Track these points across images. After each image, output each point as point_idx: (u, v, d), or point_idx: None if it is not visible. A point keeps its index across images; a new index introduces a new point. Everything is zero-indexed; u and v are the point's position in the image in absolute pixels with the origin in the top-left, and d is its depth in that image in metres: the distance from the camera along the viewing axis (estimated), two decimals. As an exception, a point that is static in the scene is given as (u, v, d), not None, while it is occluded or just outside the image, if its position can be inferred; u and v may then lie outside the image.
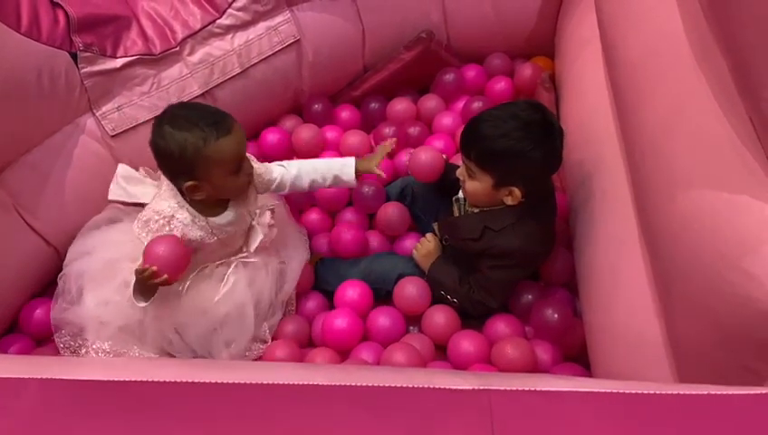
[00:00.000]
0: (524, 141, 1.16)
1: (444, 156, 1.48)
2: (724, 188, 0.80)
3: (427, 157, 1.46)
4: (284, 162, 1.40)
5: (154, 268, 1.13)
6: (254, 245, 1.30)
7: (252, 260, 1.32)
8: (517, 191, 1.21)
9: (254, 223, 1.31)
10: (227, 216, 1.25)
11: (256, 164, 1.31)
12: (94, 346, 1.28)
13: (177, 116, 1.15)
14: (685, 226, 0.86)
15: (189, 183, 1.16)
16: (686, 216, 0.86)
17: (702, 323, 0.84)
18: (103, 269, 1.29)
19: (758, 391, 0.61)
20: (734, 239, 0.76)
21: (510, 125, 1.17)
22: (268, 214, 1.33)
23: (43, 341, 1.41)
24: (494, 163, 1.20)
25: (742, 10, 0.74)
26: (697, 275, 0.82)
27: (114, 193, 1.36)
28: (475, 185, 1.25)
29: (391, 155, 1.65)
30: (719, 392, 0.66)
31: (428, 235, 1.42)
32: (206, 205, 1.23)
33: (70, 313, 1.30)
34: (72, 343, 1.31)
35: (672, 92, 0.96)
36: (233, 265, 1.31)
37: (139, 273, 1.15)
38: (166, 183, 1.23)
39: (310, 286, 1.45)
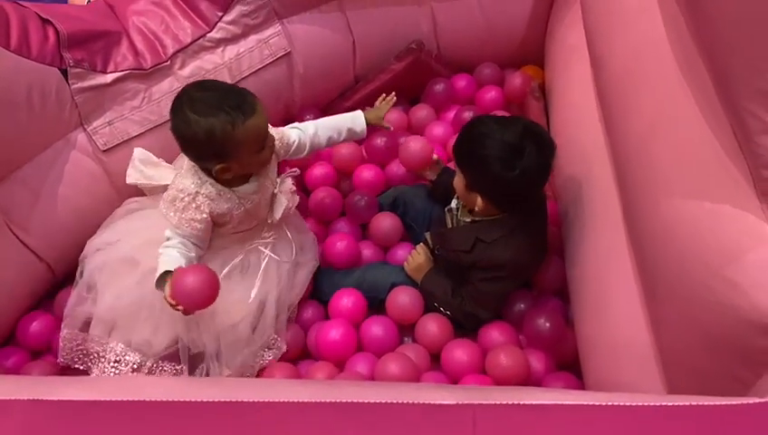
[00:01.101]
0: (491, 151, 1.18)
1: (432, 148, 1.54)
2: (707, 197, 0.81)
3: (416, 146, 1.52)
4: (296, 124, 1.41)
5: (180, 308, 1.13)
6: (279, 212, 1.30)
7: (277, 258, 1.33)
8: (480, 201, 1.23)
9: (276, 191, 1.31)
10: (251, 186, 1.25)
11: (273, 130, 1.30)
12: (109, 345, 1.26)
13: (197, 100, 1.13)
14: (669, 234, 0.87)
15: (219, 166, 1.17)
16: (670, 224, 0.87)
17: (689, 332, 0.84)
18: (120, 265, 1.28)
19: (744, 402, 0.61)
20: (717, 248, 0.77)
21: (493, 135, 1.19)
22: (289, 181, 1.33)
23: (39, 354, 1.42)
24: (464, 164, 1.25)
25: (718, 14, 0.75)
26: (682, 284, 0.83)
27: (132, 176, 1.35)
28: (458, 180, 1.29)
29: (383, 165, 1.67)
30: (706, 403, 0.67)
31: (418, 247, 1.43)
32: (231, 179, 1.23)
33: (84, 306, 1.29)
34: (75, 341, 1.29)
35: (656, 102, 0.96)
36: (265, 258, 1.31)
37: (168, 302, 1.15)
38: (186, 161, 1.23)
39: (308, 295, 1.46)
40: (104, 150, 1.45)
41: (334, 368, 1.30)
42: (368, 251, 1.55)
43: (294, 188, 1.34)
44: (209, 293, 1.14)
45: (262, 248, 1.33)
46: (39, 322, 1.41)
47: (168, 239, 1.23)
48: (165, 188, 1.29)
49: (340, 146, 1.70)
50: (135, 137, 1.47)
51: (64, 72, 1.36)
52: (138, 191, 1.39)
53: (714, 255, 0.77)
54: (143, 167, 1.35)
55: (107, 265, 1.29)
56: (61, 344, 1.29)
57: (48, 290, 1.48)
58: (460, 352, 1.29)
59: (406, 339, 1.40)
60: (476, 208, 1.25)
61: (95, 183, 1.45)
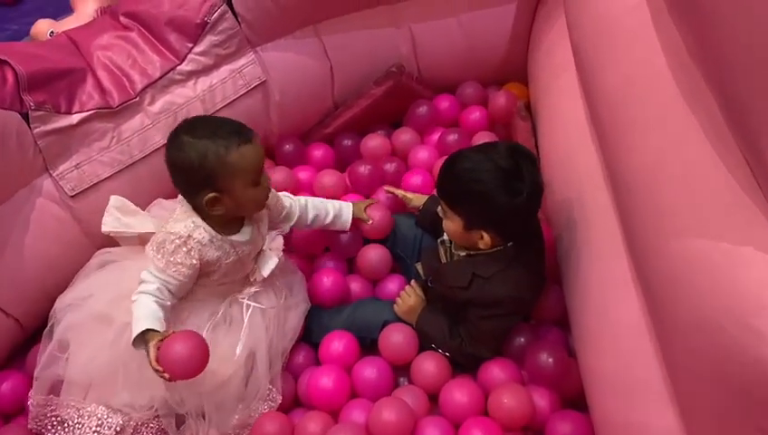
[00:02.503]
0: (490, 186, 1.12)
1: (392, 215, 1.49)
2: (724, 238, 0.76)
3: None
4: (290, 194, 1.39)
5: (166, 376, 1.06)
6: (266, 270, 1.26)
7: (262, 307, 1.27)
8: (487, 236, 1.17)
9: (265, 248, 1.28)
10: (245, 233, 1.21)
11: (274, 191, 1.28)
12: (87, 409, 1.19)
13: (194, 126, 1.13)
14: (682, 278, 0.81)
15: (210, 195, 1.11)
16: (684, 267, 0.81)
17: (708, 380, 0.79)
18: (93, 324, 1.21)
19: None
20: (739, 295, 0.72)
21: (482, 168, 1.13)
22: (280, 239, 1.32)
23: (11, 416, 1.33)
24: (461, 205, 1.18)
25: (729, 40, 0.70)
26: (701, 332, 0.77)
27: (108, 224, 1.28)
28: (449, 224, 1.22)
29: (368, 194, 1.61)
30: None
31: (407, 288, 1.36)
32: (223, 222, 1.18)
33: (55, 367, 1.22)
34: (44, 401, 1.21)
35: (662, 132, 0.91)
36: (247, 310, 1.25)
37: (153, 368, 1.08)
38: (179, 206, 1.19)
39: (299, 338, 1.38)
40: (72, 196, 1.37)
41: (328, 417, 1.23)
42: (356, 285, 1.48)
43: (284, 247, 1.30)
44: (200, 363, 1.07)
45: (243, 300, 1.26)
46: (9, 382, 1.32)
47: (144, 283, 1.15)
48: (142, 238, 1.23)
49: (322, 174, 1.65)
50: (105, 179, 1.40)
51: (25, 116, 1.28)
52: (110, 240, 1.30)
53: (735, 302, 0.71)
54: (120, 214, 1.28)
55: (79, 324, 1.21)
56: (31, 410, 1.21)
57: (17, 346, 1.39)
58: (460, 394, 1.22)
59: (402, 380, 1.34)
60: (482, 246, 1.19)
61: (64, 231, 1.37)
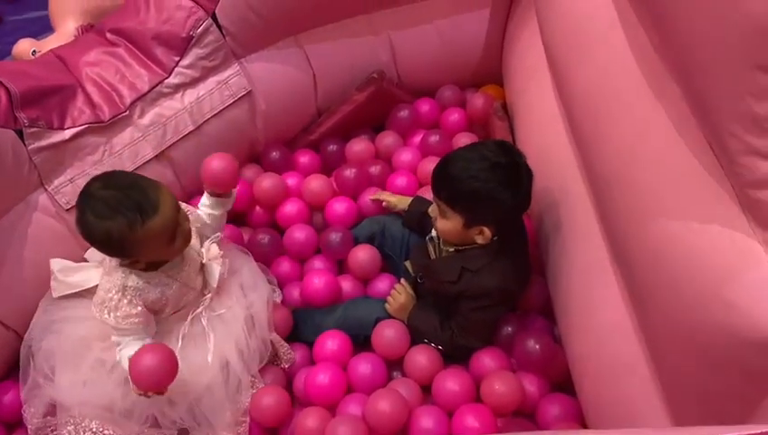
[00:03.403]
0: (492, 183, 1.17)
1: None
2: (695, 217, 0.81)
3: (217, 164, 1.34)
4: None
5: (150, 393, 1.11)
6: (215, 281, 1.28)
7: (220, 312, 1.29)
8: (487, 231, 1.22)
9: (204, 261, 1.29)
10: (175, 261, 1.23)
11: (186, 208, 1.27)
12: (83, 425, 1.22)
13: (97, 200, 1.10)
14: (659, 257, 0.87)
15: (126, 261, 1.16)
16: (659, 247, 0.87)
17: (687, 354, 0.85)
18: (74, 348, 1.25)
19: (756, 431, 0.61)
20: (710, 269, 0.77)
21: (479, 166, 1.17)
22: (214, 247, 1.31)
23: (15, 426, 1.35)
24: (464, 204, 1.21)
25: (688, 34, 0.76)
26: (677, 306, 0.83)
27: (58, 290, 1.29)
28: (446, 224, 1.25)
29: (355, 197, 1.66)
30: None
31: (397, 286, 1.40)
32: (150, 264, 1.20)
33: (44, 391, 1.24)
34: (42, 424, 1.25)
35: (631, 122, 0.97)
36: (205, 320, 1.28)
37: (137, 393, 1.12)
38: (107, 261, 1.22)
39: (288, 332, 1.42)
40: (68, 209, 1.39)
41: (326, 413, 1.27)
42: (347, 285, 1.52)
43: (222, 251, 1.31)
44: (170, 365, 1.11)
45: (199, 313, 1.29)
46: (11, 393, 1.34)
47: (119, 345, 1.19)
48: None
49: (309, 179, 1.68)
50: (98, 192, 1.42)
51: (19, 133, 1.31)
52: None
53: (708, 276, 0.77)
54: (64, 277, 1.30)
55: (59, 349, 1.25)
56: (30, 429, 1.25)
57: (17, 358, 1.40)
58: (452, 383, 1.27)
59: (395, 374, 1.38)
60: (480, 241, 1.23)
61: (61, 244, 1.39)
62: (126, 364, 1.14)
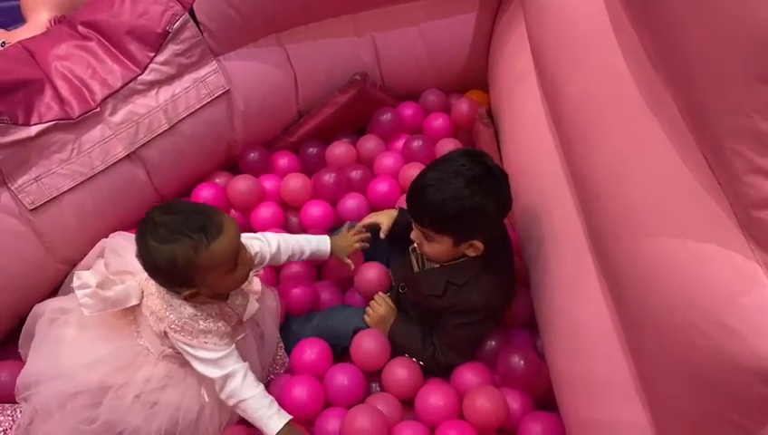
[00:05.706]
0: (476, 197, 1.12)
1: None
2: (690, 236, 0.78)
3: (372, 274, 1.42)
4: (259, 234, 1.31)
5: None
6: (248, 314, 1.22)
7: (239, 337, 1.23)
8: (478, 243, 1.18)
9: (244, 287, 1.23)
10: (235, 296, 1.19)
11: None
12: None
13: (159, 225, 1.05)
14: (651, 276, 0.84)
15: (187, 292, 1.09)
16: (651, 265, 0.84)
17: (680, 377, 0.81)
18: (81, 396, 1.14)
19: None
20: (707, 292, 0.74)
21: (455, 184, 1.12)
22: (256, 280, 1.27)
23: None
24: (452, 226, 1.15)
25: (689, 48, 0.73)
26: (671, 328, 0.80)
27: (93, 307, 1.13)
28: (434, 247, 1.20)
29: (334, 203, 1.61)
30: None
31: (377, 297, 1.36)
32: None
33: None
34: None
35: (623, 135, 0.94)
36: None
37: None
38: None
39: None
40: (32, 209, 1.33)
41: (303, 428, 1.22)
42: (325, 292, 1.47)
43: (260, 287, 1.27)
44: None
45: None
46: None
47: (235, 374, 1.14)
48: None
49: (288, 178, 1.63)
50: (66, 192, 1.36)
51: (-19, 129, 1.24)
52: (72, 255, 1.26)
53: (704, 298, 0.74)
54: (105, 292, 1.14)
55: (55, 399, 1.14)
56: None
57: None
58: (435, 398, 1.23)
59: (374, 386, 1.34)
60: (472, 253, 1.19)
61: (24, 246, 1.33)
62: (263, 414, 1.13)
